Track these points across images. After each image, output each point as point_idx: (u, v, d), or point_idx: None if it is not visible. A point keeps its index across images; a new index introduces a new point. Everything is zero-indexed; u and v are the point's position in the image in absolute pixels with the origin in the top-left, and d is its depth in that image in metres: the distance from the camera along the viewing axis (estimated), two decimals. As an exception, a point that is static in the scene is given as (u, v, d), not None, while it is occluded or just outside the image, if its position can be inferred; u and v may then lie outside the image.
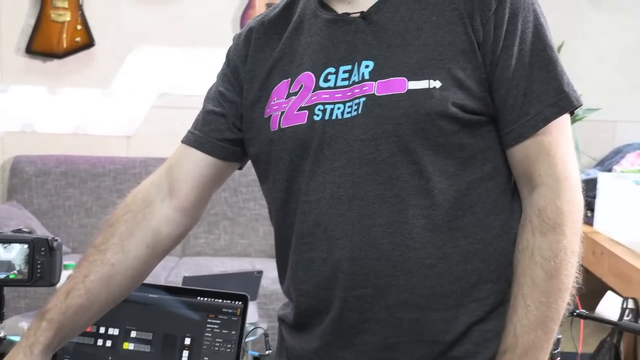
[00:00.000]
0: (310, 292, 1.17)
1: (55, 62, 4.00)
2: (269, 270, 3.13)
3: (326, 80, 1.15)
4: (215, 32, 4.05)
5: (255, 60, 1.25)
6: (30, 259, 1.43)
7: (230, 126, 1.21)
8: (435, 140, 1.07)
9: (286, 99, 1.17)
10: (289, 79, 1.17)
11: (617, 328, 2.36)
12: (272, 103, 1.18)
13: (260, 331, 2.58)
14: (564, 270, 1.04)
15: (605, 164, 3.64)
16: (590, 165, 3.76)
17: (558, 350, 1.50)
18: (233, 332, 1.38)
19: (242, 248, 4.00)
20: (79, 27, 3.90)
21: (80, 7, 3.94)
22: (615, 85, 3.90)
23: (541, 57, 1.07)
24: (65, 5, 3.83)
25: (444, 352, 1.12)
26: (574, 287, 1.10)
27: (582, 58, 3.83)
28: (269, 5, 3.86)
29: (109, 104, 4.10)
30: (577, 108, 1.10)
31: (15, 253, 1.43)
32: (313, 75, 1.15)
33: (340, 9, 1.15)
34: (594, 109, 3.65)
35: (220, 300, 1.40)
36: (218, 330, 1.39)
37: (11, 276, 1.45)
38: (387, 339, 1.14)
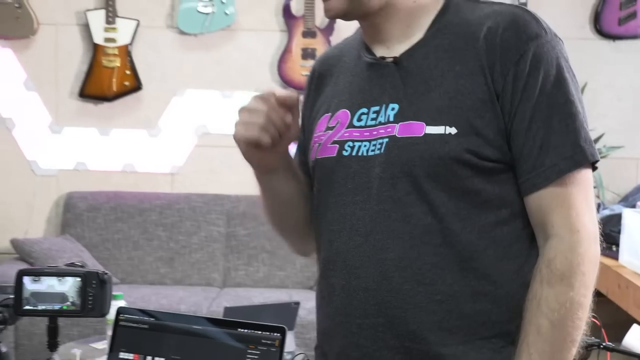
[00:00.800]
0: (331, 315, 1.21)
1: (106, 105, 4.12)
2: (306, 301, 3.22)
3: (359, 119, 1.20)
4: (252, 75, 4.19)
5: (315, 95, 1.32)
6: (83, 292, 1.49)
7: (303, 152, 1.34)
8: (449, 184, 1.10)
9: (324, 131, 1.24)
10: (330, 114, 1.24)
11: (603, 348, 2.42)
12: (315, 135, 1.25)
13: (301, 357, 2.67)
14: (570, 322, 1.05)
15: (629, 199, 3.67)
16: (614, 201, 3.83)
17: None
18: (273, 356, 1.38)
19: (280, 280, 4.07)
20: (127, 72, 4.04)
21: (129, 54, 4.08)
22: (637, 123, 3.93)
23: (561, 110, 1.07)
24: (116, 52, 3.98)
25: None
26: (582, 339, 1.08)
27: (604, 97, 3.86)
28: (304, 49, 3.97)
29: (155, 143, 4.23)
30: (593, 163, 1.09)
31: (69, 286, 1.50)
32: (349, 113, 1.20)
33: (379, 52, 1.20)
34: (617, 147, 3.74)
35: (260, 332, 1.33)
36: (260, 355, 1.36)
37: (64, 307, 1.51)
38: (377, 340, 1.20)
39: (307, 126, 1.33)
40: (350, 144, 1.20)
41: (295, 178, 1.28)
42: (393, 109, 1.16)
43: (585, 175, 1.08)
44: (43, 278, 1.52)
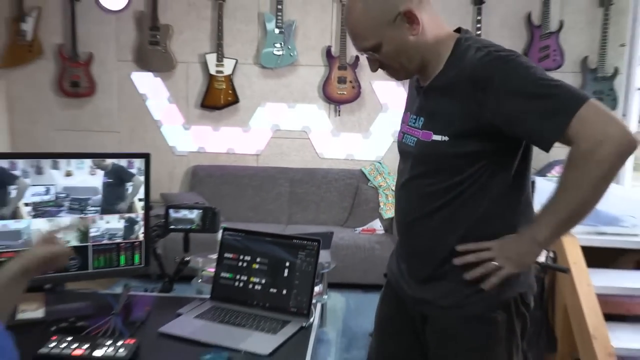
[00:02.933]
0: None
1: (217, 112, 4.62)
2: (337, 232, 3.71)
3: (410, 121, 1.37)
4: (307, 94, 4.61)
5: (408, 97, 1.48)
6: (203, 218, 1.82)
7: None
8: (439, 169, 1.29)
9: (402, 122, 1.43)
10: (407, 113, 1.40)
11: (540, 266, 2.52)
12: (401, 123, 1.43)
13: (334, 265, 3.07)
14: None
15: (543, 171, 4.04)
16: (534, 173, 3.73)
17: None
18: (311, 259, 1.64)
19: (323, 220, 4.51)
20: (230, 91, 4.55)
21: (231, 80, 4.56)
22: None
23: (530, 98, 1.16)
24: (223, 79, 4.55)
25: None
26: None
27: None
28: (339, 77, 4.48)
29: (247, 136, 4.70)
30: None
31: (196, 214, 1.82)
32: (409, 115, 1.39)
33: (421, 82, 1.34)
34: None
35: (306, 242, 1.66)
36: (304, 258, 1.65)
37: (193, 227, 1.84)
38: (408, 255, 1.41)
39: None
40: (406, 134, 1.39)
41: None
42: (422, 119, 1.33)
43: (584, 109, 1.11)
44: (180, 210, 1.81)
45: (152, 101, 4.73)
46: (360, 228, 4.28)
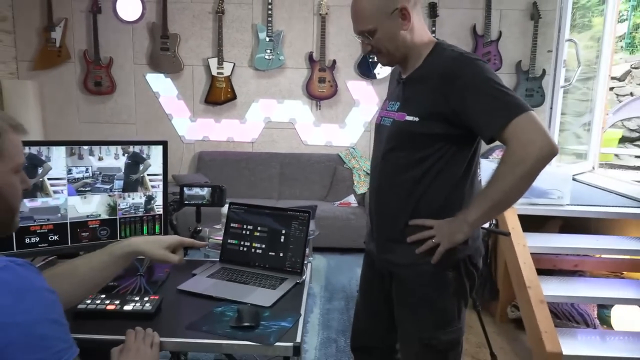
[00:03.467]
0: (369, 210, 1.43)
1: (218, 107, 4.56)
2: (320, 205, 3.72)
3: (389, 106, 1.37)
4: (293, 91, 4.55)
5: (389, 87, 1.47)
6: (212, 194, 1.82)
7: None
8: (407, 144, 1.28)
9: (380, 109, 1.42)
10: (387, 101, 1.40)
11: (486, 230, 2.41)
12: (380, 109, 1.42)
13: (317, 233, 2.79)
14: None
15: (486, 154, 3.99)
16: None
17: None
18: (304, 227, 1.64)
19: (307, 196, 4.46)
20: (229, 89, 4.49)
21: (230, 80, 4.48)
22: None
23: (485, 96, 1.16)
24: (223, 79, 4.48)
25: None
26: None
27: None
28: (320, 78, 4.40)
29: (244, 126, 4.64)
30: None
31: (206, 191, 1.82)
32: (388, 102, 1.39)
33: (402, 74, 1.34)
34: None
35: (298, 213, 1.66)
36: (297, 226, 1.65)
37: (204, 202, 1.83)
38: (377, 217, 1.39)
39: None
40: (384, 117, 1.37)
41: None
42: (398, 104, 1.32)
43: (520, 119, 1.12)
44: (193, 188, 1.80)
45: (163, 98, 4.66)
46: (338, 202, 4.28)
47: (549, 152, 1.12)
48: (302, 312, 1.34)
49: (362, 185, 4.32)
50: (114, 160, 1.56)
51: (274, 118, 4.63)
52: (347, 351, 2.46)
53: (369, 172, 4.25)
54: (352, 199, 4.28)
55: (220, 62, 4.48)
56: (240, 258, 1.68)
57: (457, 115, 1.19)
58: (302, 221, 1.65)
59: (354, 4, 1.26)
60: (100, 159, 1.54)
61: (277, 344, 1.16)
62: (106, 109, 4.62)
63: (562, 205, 2.75)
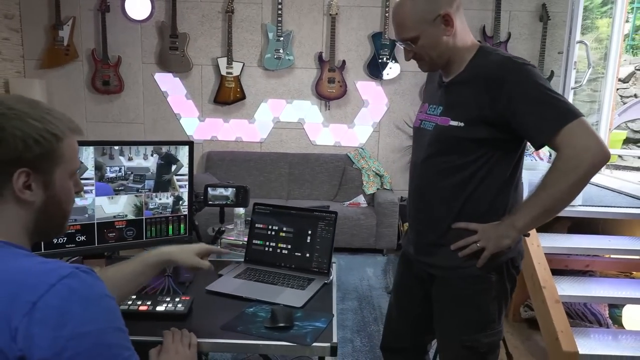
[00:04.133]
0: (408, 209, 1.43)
1: (227, 107, 4.54)
2: (331, 206, 3.34)
3: (429, 109, 1.36)
4: (302, 91, 4.54)
5: (425, 89, 1.48)
6: (237, 194, 1.81)
7: None
8: (452, 149, 1.26)
9: (419, 112, 1.41)
10: (425, 104, 1.38)
11: None
12: (417, 112, 1.42)
13: None
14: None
15: None
16: None
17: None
18: (330, 228, 1.64)
19: (316, 196, 4.48)
20: (238, 89, 4.47)
21: (239, 80, 4.46)
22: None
23: (536, 102, 1.14)
24: (232, 79, 4.46)
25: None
26: None
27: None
28: (329, 78, 4.39)
29: (253, 126, 4.63)
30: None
31: (230, 192, 1.81)
32: (427, 105, 1.37)
33: (444, 78, 1.32)
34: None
35: (325, 213, 1.66)
36: (323, 227, 1.65)
37: (228, 202, 1.81)
38: (418, 222, 1.38)
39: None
40: (424, 120, 1.36)
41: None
42: (440, 108, 1.30)
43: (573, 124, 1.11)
44: (217, 188, 1.79)
45: (172, 97, 4.64)
46: (348, 202, 4.28)
47: (603, 158, 1.13)
48: (334, 312, 1.34)
49: (371, 186, 4.32)
50: (143, 160, 1.57)
51: (283, 118, 4.62)
52: (364, 351, 2.48)
53: (378, 172, 4.32)
54: (361, 199, 4.28)
55: (229, 62, 4.47)
56: (265, 258, 1.68)
57: (505, 120, 1.18)
58: (329, 222, 1.65)
59: (396, 12, 1.26)
60: (130, 159, 1.55)
61: (314, 344, 1.17)
62: (114, 108, 4.61)
63: (572, 205, 2.73)
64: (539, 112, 1.14)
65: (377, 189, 4.34)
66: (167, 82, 4.59)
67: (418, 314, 1.45)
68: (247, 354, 2.10)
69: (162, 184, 1.61)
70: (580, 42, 3.65)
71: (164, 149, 1.59)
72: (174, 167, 1.60)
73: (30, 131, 0.76)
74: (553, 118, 1.13)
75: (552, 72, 4.34)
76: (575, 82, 3.76)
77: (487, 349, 1.30)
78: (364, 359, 2.38)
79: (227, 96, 4.53)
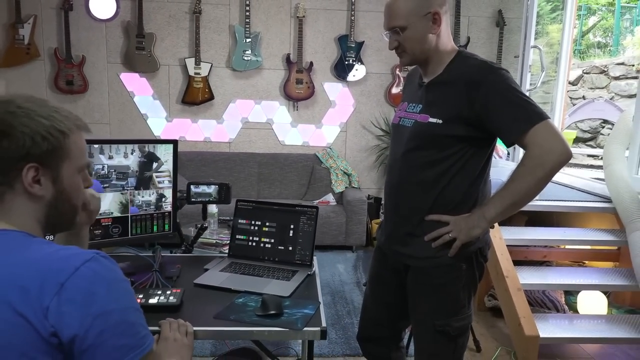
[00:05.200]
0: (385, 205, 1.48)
1: (195, 107, 4.53)
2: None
3: (409, 107, 1.41)
4: (270, 92, 4.58)
5: (403, 90, 1.54)
6: (219, 192, 1.85)
7: None
8: (430, 145, 1.32)
9: (398, 110, 1.46)
10: (405, 102, 1.44)
11: None
12: (396, 110, 1.47)
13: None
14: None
15: None
16: None
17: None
18: (312, 222, 1.70)
19: (285, 195, 4.50)
20: (206, 90, 4.47)
21: (207, 81, 4.47)
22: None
23: (508, 103, 1.22)
24: (200, 79, 4.46)
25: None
26: None
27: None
28: (297, 79, 4.44)
29: (221, 127, 4.63)
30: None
31: (213, 189, 1.85)
32: (407, 104, 1.43)
33: (425, 78, 1.39)
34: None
35: (307, 208, 1.71)
36: (305, 221, 1.70)
37: (210, 199, 1.84)
38: (394, 213, 1.44)
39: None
40: (404, 118, 1.41)
41: None
42: (420, 106, 1.36)
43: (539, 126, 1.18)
44: (200, 185, 1.83)
45: (138, 98, 4.60)
46: (317, 200, 4.35)
47: (566, 158, 1.22)
48: (320, 300, 1.42)
49: (339, 184, 4.43)
50: (123, 158, 1.60)
51: (252, 118, 4.65)
52: (340, 342, 2.56)
53: (346, 171, 4.43)
54: (330, 198, 4.38)
55: (197, 62, 4.47)
56: (249, 253, 1.73)
57: (481, 119, 1.25)
58: (310, 216, 1.71)
59: (390, 1, 1.33)
60: (110, 157, 1.57)
61: (305, 328, 1.24)
62: (78, 109, 4.50)
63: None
64: (511, 113, 1.22)
65: (346, 187, 4.43)
66: (133, 82, 4.55)
67: (393, 302, 1.52)
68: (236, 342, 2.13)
69: (144, 181, 1.64)
70: (535, 46, 3.88)
71: (147, 147, 1.62)
72: (155, 165, 1.64)
73: (38, 128, 0.80)
74: (523, 119, 1.21)
75: (509, 74, 4.52)
76: (530, 84, 4.00)
77: (458, 333, 1.37)
78: (339, 349, 2.47)
79: (196, 97, 4.52)
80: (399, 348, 1.67)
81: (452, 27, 4.52)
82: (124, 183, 1.60)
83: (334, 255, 3.95)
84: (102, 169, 1.55)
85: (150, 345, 0.81)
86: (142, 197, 1.64)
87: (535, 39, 4.14)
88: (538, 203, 2.85)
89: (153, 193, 1.66)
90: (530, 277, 2.66)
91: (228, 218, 2.20)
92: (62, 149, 0.83)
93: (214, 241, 2.15)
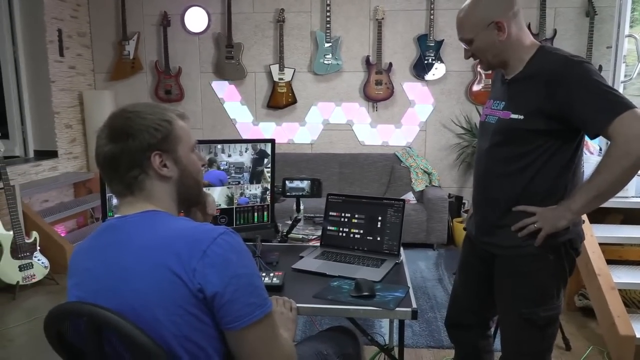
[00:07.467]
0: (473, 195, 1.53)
1: (279, 111, 4.74)
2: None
3: (493, 105, 1.44)
4: (350, 94, 4.69)
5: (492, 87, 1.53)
6: (312, 186, 1.98)
7: None
8: (512, 140, 1.35)
9: (485, 108, 1.50)
10: (491, 100, 1.47)
11: None
12: (483, 108, 1.50)
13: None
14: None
15: None
16: None
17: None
18: (399, 214, 1.76)
19: (371, 192, 4.45)
20: (290, 93, 4.66)
21: (291, 85, 4.64)
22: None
23: (591, 95, 1.21)
24: (284, 84, 4.66)
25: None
26: None
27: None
28: (376, 80, 4.50)
29: (304, 129, 4.81)
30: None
31: (306, 184, 1.98)
32: (492, 101, 1.46)
33: (506, 76, 1.42)
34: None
35: (394, 201, 1.79)
36: (392, 213, 1.78)
37: (304, 194, 1.98)
38: (482, 204, 1.48)
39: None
40: (489, 115, 1.45)
41: None
42: (503, 103, 1.40)
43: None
44: (294, 181, 1.97)
45: (228, 104, 4.90)
46: (398, 199, 4.36)
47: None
48: (410, 284, 1.51)
49: (420, 183, 4.45)
50: (239, 156, 1.80)
51: (333, 120, 4.78)
52: (424, 335, 2.61)
53: (426, 170, 4.44)
54: (410, 196, 4.42)
55: (281, 68, 4.69)
56: (339, 242, 1.85)
57: (563, 112, 1.25)
58: (397, 208, 1.81)
59: (458, 15, 1.41)
60: (229, 155, 1.80)
61: (397, 309, 1.34)
62: (175, 115, 4.82)
63: (627, 197, 2.79)
64: (594, 104, 1.20)
65: (426, 186, 4.43)
66: (223, 89, 4.87)
67: (481, 290, 1.56)
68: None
69: (256, 175, 1.83)
70: (630, 35, 3.68)
71: (259, 145, 1.80)
72: (265, 161, 1.82)
73: (149, 123, 0.95)
74: (607, 109, 1.19)
75: (600, 66, 4.34)
76: (625, 75, 3.79)
77: (545, 323, 1.37)
78: (423, 341, 2.53)
79: (280, 101, 4.72)
80: (486, 337, 1.70)
81: (537, 20, 4.42)
82: (240, 177, 1.82)
83: (415, 253, 4.00)
84: (225, 165, 1.79)
85: (271, 307, 0.95)
86: (250, 190, 1.82)
87: (631, 27, 3.88)
88: (634, 200, 2.72)
89: (259, 187, 1.83)
90: (625, 277, 2.56)
91: (314, 215, 2.32)
92: (172, 134, 0.97)
93: (301, 236, 2.29)
